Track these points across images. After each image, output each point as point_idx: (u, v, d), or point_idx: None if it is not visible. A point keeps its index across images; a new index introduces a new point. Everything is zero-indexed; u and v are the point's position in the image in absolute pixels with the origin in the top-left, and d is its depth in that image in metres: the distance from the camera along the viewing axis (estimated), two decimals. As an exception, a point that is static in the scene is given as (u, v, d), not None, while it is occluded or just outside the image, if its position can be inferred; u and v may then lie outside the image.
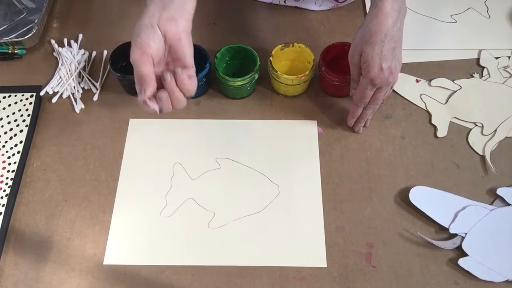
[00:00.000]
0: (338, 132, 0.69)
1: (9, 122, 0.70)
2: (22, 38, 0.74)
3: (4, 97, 0.72)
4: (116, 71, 0.68)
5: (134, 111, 0.71)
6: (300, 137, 0.69)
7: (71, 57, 0.75)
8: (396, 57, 0.59)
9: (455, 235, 0.60)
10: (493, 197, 0.64)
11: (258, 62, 0.69)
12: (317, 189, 0.64)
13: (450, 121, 0.70)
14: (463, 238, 0.60)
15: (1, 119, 0.70)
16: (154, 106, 0.52)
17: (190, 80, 0.53)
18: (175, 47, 0.52)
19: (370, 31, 0.58)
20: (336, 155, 0.67)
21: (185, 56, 0.52)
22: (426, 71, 0.75)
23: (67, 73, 0.74)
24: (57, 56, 0.76)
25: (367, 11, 0.62)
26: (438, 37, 0.79)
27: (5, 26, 0.77)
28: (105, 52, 0.77)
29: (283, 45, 0.71)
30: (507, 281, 0.57)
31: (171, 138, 0.69)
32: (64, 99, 0.73)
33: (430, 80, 0.74)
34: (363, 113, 0.66)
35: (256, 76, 0.69)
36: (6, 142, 0.68)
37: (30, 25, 0.76)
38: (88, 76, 0.74)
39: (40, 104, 0.72)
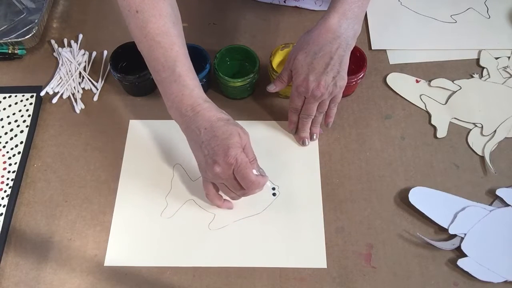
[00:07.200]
0: (338, 133, 0.69)
1: (9, 123, 0.70)
2: (22, 38, 0.74)
3: (5, 98, 0.72)
4: (116, 72, 0.68)
5: (134, 112, 0.71)
6: (300, 138, 0.69)
7: (71, 57, 0.75)
8: (329, 74, 0.58)
9: (454, 235, 0.60)
10: (493, 198, 0.64)
11: (258, 63, 0.69)
12: (317, 190, 0.64)
13: (450, 122, 0.70)
14: (462, 238, 0.60)
15: (2, 119, 0.70)
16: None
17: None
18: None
19: (308, 39, 0.58)
20: (336, 155, 0.68)
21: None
22: (426, 71, 0.76)
23: (67, 74, 0.74)
24: (57, 56, 0.76)
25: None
26: (438, 37, 0.79)
27: (5, 26, 0.76)
28: (105, 52, 0.77)
29: (283, 45, 0.71)
30: (505, 282, 0.58)
31: (171, 139, 0.69)
32: (65, 100, 0.73)
33: (430, 81, 0.74)
34: (300, 122, 0.66)
35: (257, 77, 0.69)
36: (6, 142, 0.68)
37: (30, 25, 0.76)
38: (89, 77, 0.74)
39: (41, 104, 0.72)
